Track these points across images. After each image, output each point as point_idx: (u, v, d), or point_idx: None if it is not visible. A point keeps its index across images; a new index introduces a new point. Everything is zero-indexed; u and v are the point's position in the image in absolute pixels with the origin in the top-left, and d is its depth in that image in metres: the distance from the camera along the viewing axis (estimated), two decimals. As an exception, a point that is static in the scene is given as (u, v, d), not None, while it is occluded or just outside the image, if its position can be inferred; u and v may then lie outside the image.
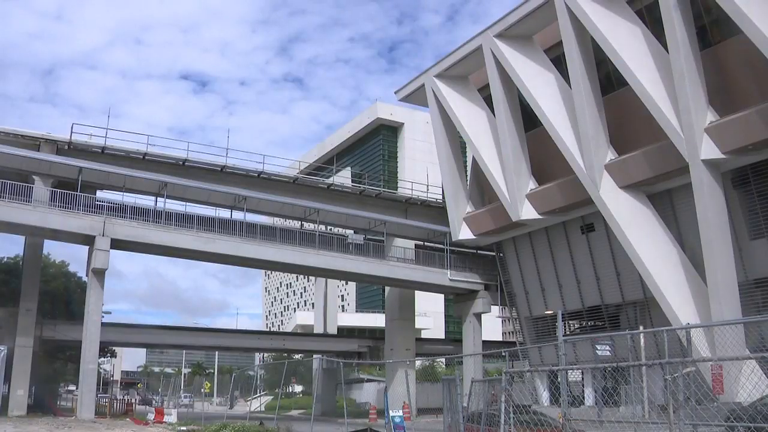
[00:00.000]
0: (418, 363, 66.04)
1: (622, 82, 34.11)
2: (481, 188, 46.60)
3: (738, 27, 28.17)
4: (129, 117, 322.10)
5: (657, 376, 14.91)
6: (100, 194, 43.15)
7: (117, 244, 39.92)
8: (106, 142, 43.36)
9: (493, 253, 48.08)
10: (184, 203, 45.10)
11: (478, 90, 43.93)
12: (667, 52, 30.81)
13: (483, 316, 50.18)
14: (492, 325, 74.88)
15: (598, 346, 28.29)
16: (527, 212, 40.24)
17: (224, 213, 45.36)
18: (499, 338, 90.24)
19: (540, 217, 40.21)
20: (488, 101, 42.14)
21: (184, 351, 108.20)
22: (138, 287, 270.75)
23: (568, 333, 41.53)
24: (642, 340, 15.82)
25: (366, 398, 65.40)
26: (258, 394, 76.46)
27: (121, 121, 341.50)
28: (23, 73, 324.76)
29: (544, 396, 40.30)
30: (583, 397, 31.09)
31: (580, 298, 41.43)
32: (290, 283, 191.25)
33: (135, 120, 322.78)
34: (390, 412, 26.28)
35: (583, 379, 32.67)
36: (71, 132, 42.66)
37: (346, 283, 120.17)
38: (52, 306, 50.27)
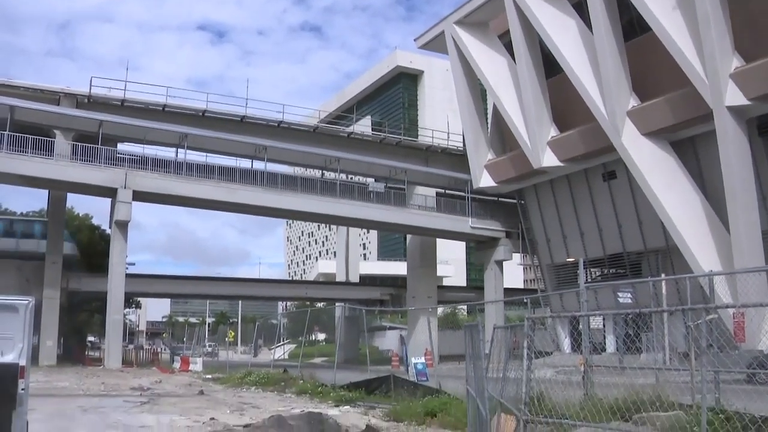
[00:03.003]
0: (439, 310, 66.39)
1: (645, 28, 33.49)
2: (502, 136, 46.32)
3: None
4: (147, 69, 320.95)
5: (679, 323, 14.93)
6: (120, 147, 43.40)
7: (139, 195, 40.28)
8: (125, 94, 43.47)
9: (515, 201, 47.96)
10: (205, 154, 45.29)
11: (499, 37, 43.42)
12: (692, -5, 30.23)
13: (504, 263, 50.32)
14: (513, 272, 75.05)
15: (620, 294, 28.28)
16: (548, 159, 40.03)
17: (245, 163, 45.52)
18: (521, 286, 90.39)
19: (561, 164, 39.99)
20: (509, 48, 41.66)
21: (208, 301, 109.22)
22: (157, 238, 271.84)
23: (589, 280, 41.49)
24: (664, 288, 15.81)
25: (388, 345, 65.89)
26: (281, 343, 77.15)
27: (139, 73, 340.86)
28: (39, 27, 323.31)
29: (566, 343, 40.46)
30: (605, 345, 31.18)
31: (601, 246, 41.34)
32: (312, 232, 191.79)
33: (153, 72, 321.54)
34: (412, 359, 26.51)
35: (604, 326, 32.73)
36: (90, 85, 42.90)
37: (368, 232, 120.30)
38: (76, 258, 50.74)
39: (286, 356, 65.88)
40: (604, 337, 32.21)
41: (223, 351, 64.04)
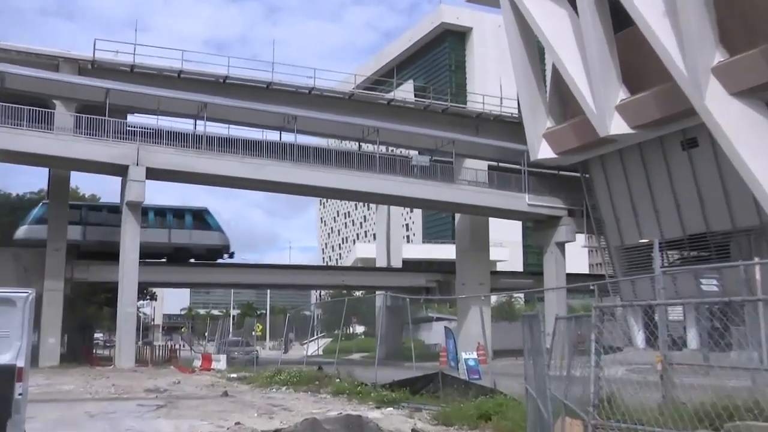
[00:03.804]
0: (493, 299, 66.22)
1: (733, -31, 32.74)
2: (562, 100, 45.81)
3: None
4: (159, 30, 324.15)
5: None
6: (131, 119, 43.70)
7: (153, 173, 40.53)
8: (135, 59, 43.66)
9: (578, 174, 47.56)
10: (227, 126, 45.40)
11: (559, -15, 42.90)
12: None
13: (567, 245, 50.08)
14: (577, 255, 74.48)
15: (703, 280, 27.80)
16: (617, 126, 39.43)
17: (272, 135, 45.63)
18: (586, 271, 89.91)
19: (632, 131, 39.38)
20: (570, -2, 41.15)
21: (232, 290, 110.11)
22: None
23: (666, 264, 41.04)
24: (758, 273, 15.32)
25: (435, 339, 65.86)
26: (315, 337, 77.67)
27: (150, 35, 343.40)
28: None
29: (639, 337, 40.05)
30: (686, 339, 30.77)
31: (680, 225, 40.85)
32: (348, 212, 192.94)
33: (166, 33, 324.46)
34: (463, 354, 26.36)
35: (685, 318, 32.25)
36: (94, 49, 43.05)
37: (411, 211, 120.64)
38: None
39: (321, 352, 66.37)
40: (685, 331, 31.78)
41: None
